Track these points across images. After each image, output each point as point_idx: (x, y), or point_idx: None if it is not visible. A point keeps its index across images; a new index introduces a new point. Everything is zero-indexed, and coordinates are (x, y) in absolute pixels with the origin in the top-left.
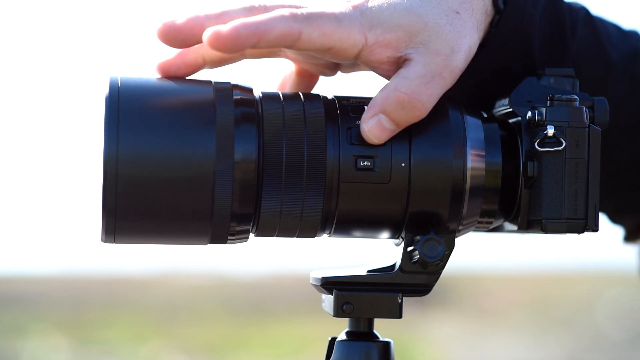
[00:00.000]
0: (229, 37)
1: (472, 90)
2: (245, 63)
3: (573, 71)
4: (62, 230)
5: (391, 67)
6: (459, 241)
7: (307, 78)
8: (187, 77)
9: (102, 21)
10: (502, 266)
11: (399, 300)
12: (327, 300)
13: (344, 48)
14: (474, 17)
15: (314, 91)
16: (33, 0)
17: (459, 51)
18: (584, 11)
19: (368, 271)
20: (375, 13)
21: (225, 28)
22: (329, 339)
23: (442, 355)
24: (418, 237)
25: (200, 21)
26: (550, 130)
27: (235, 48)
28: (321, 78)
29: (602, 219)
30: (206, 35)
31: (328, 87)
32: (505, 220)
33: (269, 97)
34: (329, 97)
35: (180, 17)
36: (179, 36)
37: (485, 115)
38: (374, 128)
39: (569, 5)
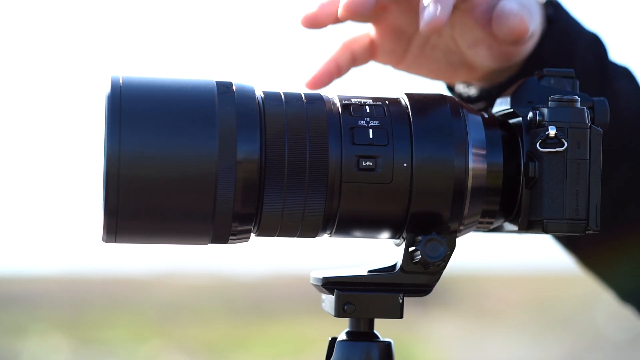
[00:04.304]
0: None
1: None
2: (247, 62)
3: (573, 72)
4: (62, 230)
5: None
6: (460, 241)
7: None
8: (188, 77)
9: (102, 21)
10: (502, 266)
11: (400, 301)
12: (328, 300)
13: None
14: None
15: (314, 91)
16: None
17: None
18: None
19: (369, 271)
20: None
21: None
22: (329, 339)
23: (442, 355)
24: (419, 238)
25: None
26: (552, 131)
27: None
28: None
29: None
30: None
31: (330, 86)
32: (505, 221)
33: (270, 97)
34: (331, 96)
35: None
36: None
37: (486, 116)
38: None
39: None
